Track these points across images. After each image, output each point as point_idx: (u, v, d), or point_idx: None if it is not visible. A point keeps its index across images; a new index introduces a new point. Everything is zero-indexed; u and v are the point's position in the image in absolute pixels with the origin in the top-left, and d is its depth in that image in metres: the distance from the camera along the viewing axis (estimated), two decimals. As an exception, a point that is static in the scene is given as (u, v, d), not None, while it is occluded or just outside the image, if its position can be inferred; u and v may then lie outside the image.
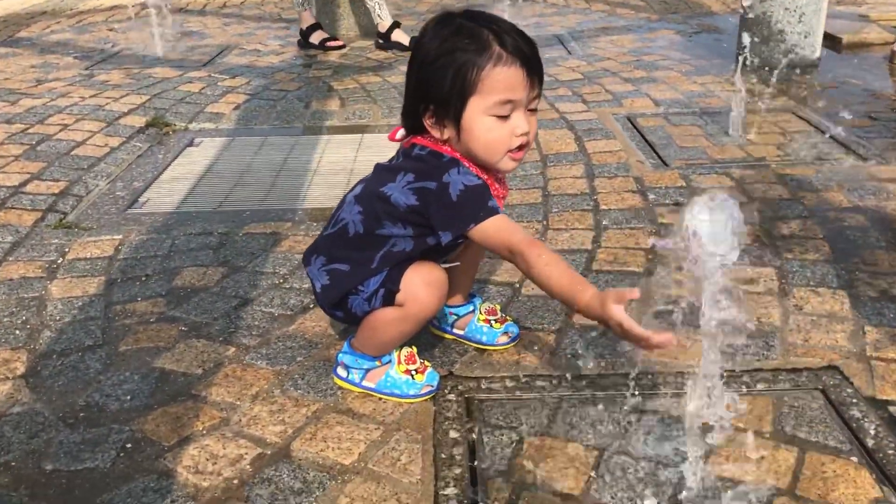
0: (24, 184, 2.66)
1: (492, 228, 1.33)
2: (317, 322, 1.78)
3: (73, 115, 3.36)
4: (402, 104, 1.45)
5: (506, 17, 4.88)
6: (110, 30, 5.27)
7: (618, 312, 1.17)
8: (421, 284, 1.41)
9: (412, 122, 1.42)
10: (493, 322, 1.67)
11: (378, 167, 1.50)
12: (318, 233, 2.24)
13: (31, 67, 4.25)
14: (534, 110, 1.40)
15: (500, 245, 1.34)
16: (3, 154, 2.90)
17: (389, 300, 1.43)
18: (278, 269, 2.03)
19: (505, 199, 1.47)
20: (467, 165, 1.38)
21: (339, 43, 4.61)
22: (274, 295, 1.90)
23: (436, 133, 1.39)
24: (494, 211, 1.34)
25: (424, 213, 1.37)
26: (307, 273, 1.55)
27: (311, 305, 1.85)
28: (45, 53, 4.61)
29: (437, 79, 1.34)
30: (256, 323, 1.78)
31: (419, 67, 1.38)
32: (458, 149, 1.39)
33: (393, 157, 1.50)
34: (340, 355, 1.56)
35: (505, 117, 1.35)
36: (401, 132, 1.47)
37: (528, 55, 1.35)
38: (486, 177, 1.41)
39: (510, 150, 1.37)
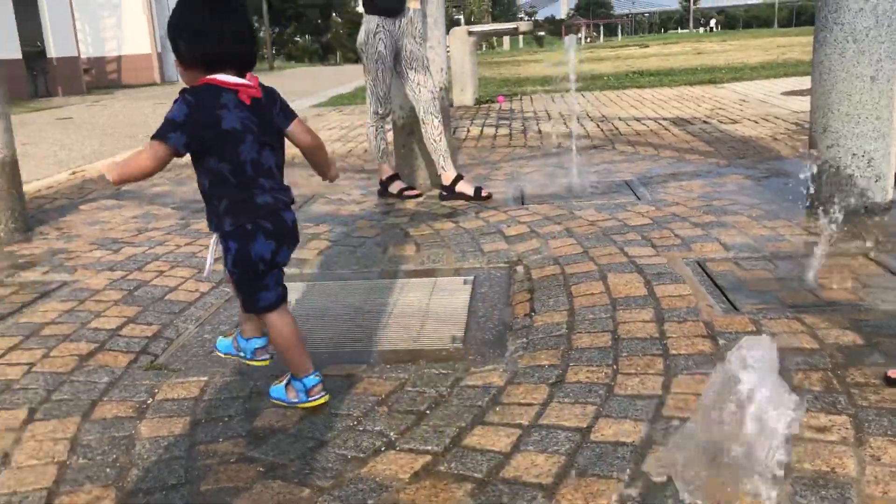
0: (121, 327, 2.85)
1: None
2: (387, 465, 1.82)
3: (169, 262, 3.62)
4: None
5: (573, 161, 5.07)
6: (206, 182, 5.69)
7: None
8: None
9: None
10: None
11: None
12: (392, 375, 2.33)
13: (133, 218, 4.61)
14: None
15: None
16: (105, 299, 3.13)
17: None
18: (352, 412, 2.11)
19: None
20: None
21: (417, 192, 4.86)
22: (348, 437, 1.97)
23: None
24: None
25: None
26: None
27: (383, 448, 1.90)
28: (146, 205, 5.00)
29: None
30: (330, 465, 1.84)
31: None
32: None
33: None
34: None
35: None
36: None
37: None
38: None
39: None
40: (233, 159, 2.00)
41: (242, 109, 2.01)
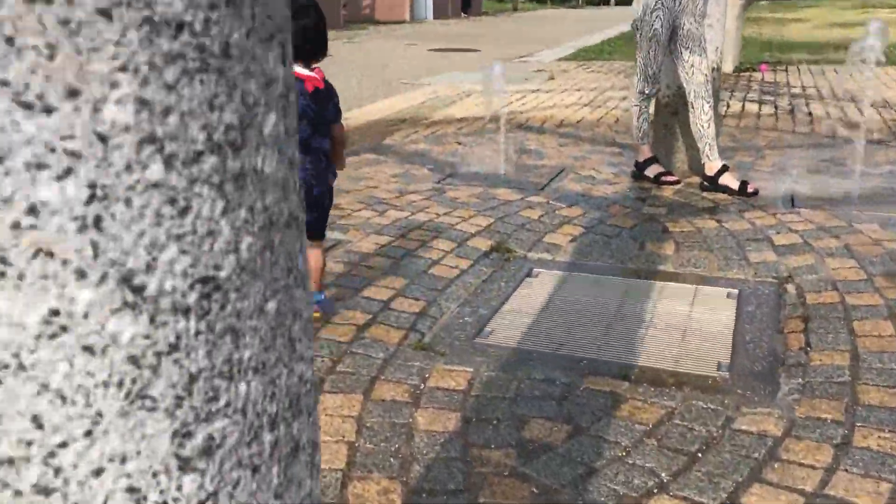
0: (391, 300, 3.02)
1: None
2: (662, 512, 1.81)
3: (430, 231, 3.76)
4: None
5: (852, 158, 4.62)
6: (458, 143, 5.84)
7: None
8: None
9: None
10: None
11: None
12: (657, 401, 2.29)
13: (393, 176, 4.83)
14: None
15: None
16: (375, 266, 3.33)
17: None
18: (620, 439, 2.10)
19: None
20: None
21: (675, 179, 4.67)
22: (618, 469, 1.97)
23: None
24: None
25: None
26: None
27: (655, 490, 1.88)
28: (404, 163, 5.22)
29: None
30: (602, 499, 1.85)
31: None
32: None
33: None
34: None
35: None
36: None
37: None
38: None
39: None
40: None
41: (306, 97, 2.49)
